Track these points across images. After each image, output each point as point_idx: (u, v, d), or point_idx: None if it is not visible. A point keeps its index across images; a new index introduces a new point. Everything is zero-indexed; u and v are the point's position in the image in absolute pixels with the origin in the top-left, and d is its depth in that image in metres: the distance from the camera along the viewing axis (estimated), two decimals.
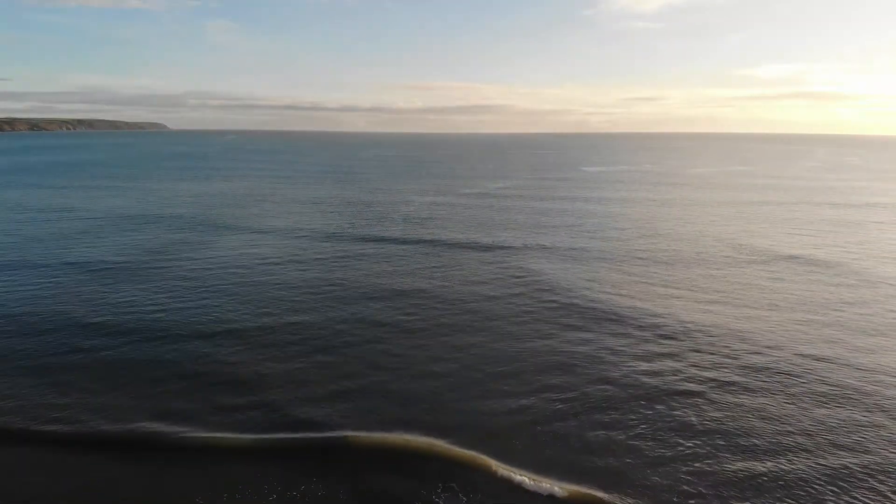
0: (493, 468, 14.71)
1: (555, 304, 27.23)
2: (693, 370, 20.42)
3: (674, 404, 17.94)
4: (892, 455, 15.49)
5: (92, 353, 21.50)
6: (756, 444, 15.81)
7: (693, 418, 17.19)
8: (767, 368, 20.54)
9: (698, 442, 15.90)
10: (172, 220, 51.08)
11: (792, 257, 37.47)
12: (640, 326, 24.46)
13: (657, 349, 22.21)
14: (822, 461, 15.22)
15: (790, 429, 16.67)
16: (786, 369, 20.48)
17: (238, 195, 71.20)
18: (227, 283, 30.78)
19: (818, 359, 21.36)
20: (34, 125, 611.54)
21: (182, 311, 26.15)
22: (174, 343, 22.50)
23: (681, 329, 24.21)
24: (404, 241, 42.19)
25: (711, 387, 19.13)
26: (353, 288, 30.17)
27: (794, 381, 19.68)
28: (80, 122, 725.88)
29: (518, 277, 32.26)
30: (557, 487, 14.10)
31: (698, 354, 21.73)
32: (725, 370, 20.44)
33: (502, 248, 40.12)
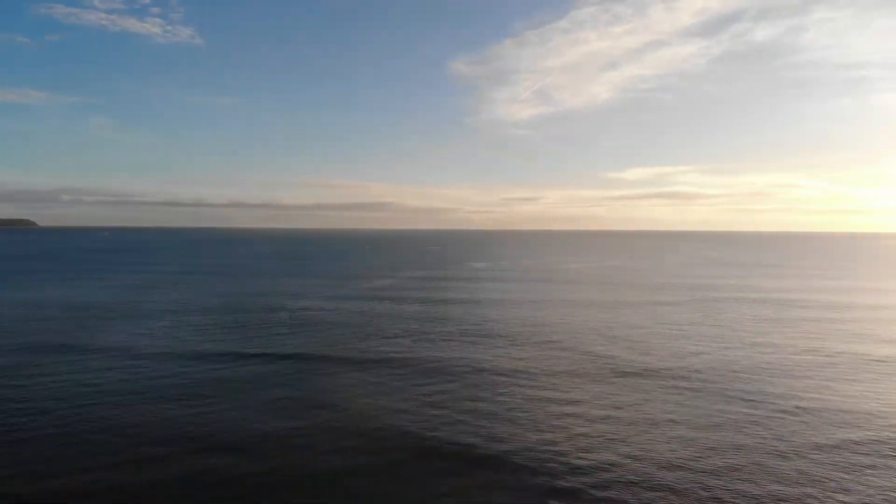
0: None
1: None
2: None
3: None
4: None
5: None
6: None
7: None
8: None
9: None
10: None
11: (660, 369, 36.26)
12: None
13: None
14: None
15: None
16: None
17: (82, 304, 62.90)
18: (36, 427, 24.43)
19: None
20: None
21: None
22: None
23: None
24: (273, 358, 37.06)
25: None
26: (200, 437, 24.82)
27: None
28: None
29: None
30: None
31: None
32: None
33: (386, 361, 36.10)
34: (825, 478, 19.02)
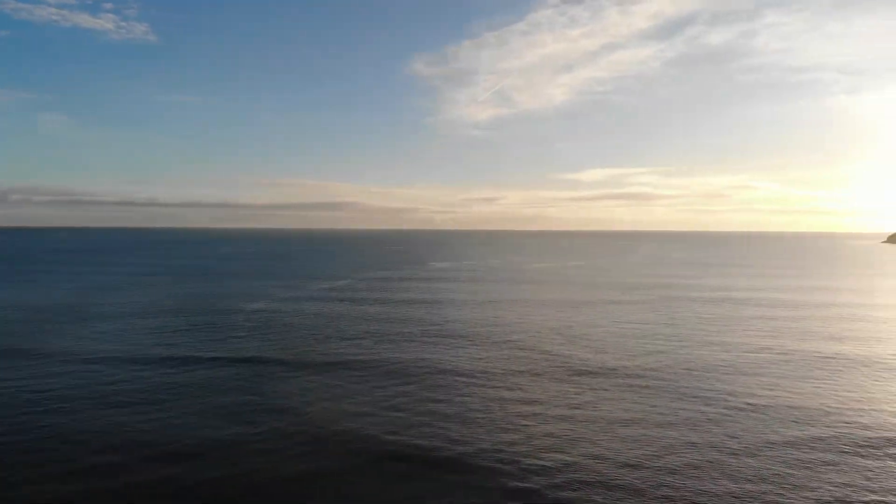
0: None
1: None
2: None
3: None
4: None
5: None
6: None
7: None
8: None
9: None
10: None
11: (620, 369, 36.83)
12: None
13: None
14: None
15: None
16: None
17: (33, 307, 60.85)
18: None
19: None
20: None
21: None
22: None
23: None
24: (230, 361, 36.33)
25: None
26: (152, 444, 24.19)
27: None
28: None
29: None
30: None
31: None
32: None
33: (347, 363, 35.77)
34: (780, 474, 19.49)
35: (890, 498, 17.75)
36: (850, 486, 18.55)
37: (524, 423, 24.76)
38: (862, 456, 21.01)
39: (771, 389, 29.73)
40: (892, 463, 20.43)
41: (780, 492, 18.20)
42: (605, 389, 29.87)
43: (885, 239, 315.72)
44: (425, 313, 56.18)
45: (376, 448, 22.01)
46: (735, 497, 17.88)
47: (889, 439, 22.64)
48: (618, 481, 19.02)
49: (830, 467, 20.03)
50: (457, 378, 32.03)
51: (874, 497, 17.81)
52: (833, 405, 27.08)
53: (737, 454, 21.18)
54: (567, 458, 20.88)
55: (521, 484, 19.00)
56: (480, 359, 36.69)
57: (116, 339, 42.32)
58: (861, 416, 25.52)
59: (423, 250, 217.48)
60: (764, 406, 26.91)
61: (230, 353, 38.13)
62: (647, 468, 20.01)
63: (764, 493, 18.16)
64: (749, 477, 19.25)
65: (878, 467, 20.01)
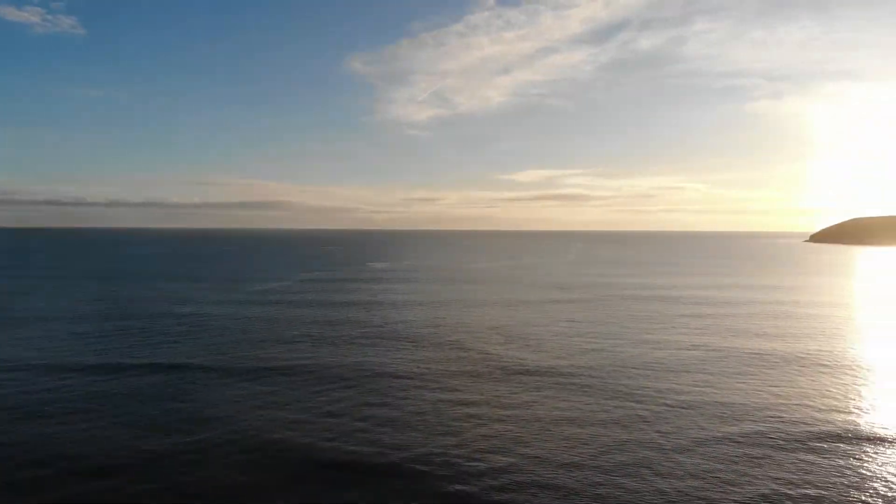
0: None
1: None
2: None
3: None
4: None
5: None
6: None
7: None
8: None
9: None
10: None
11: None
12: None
13: None
14: None
15: None
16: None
17: None
18: None
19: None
20: None
21: None
22: None
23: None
24: (160, 368, 34.96)
25: None
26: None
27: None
28: None
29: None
30: None
31: None
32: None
33: (283, 369, 34.99)
34: (712, 470, 20.13)
35: (819, 491, 18.58)
36: (781, 480, 19.30)
37: (463, 425, 24.81)
38: (792, 451, 21.90)
39: (702, 386, 30.77)
40: (821, 457, 21.35)
41: (713, 488, 18.79)
42: (543, 389, 30.27)
43: (808, 238, 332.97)
44: (364, 315, 55.67)
45: (314, 456, 21.58)
46: (669, 494, 18.37)
47: (817, 434, 23.65)
48: (556, 482, 19.27)
49: (761, 462, 20.80)
50: (395, 381, 31.82)
51: (804, 491, 18.60)
52: (763, 401, 28.16)
53: (670, 452, 21.79)
54: (506, 460, 21.02)
55: (460, 487, 19.00)
56: (419, 361, 36.59)
57: (39, 346, 40.10)
58: (790, 411, 26.61)
59: (361, 251, 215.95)
60: (696, 403, 27.82)
61: (160, 359, 36.72)
62: (584, 468, 20.35)
63: (697, 489, 18.72)
64: (682, 474, 19.82)
65: (807, 461, 20.89)
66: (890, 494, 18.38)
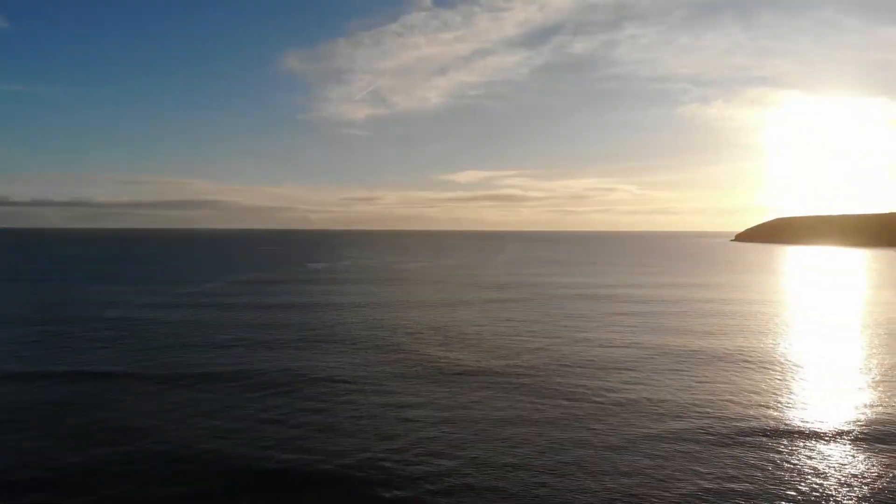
0: None
1: None
2: None
3: None
4: None
5: None
6: None
7: None
8: None
9: None
10: None
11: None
12: None
13: None
14: None
15: None
16: None
17: None
18: None
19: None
20: None
21: None
22: None
23: None
24: (83, 376, 33.17)
25: None
26: None
27: None
28: None
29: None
30: None
31: None
32: None
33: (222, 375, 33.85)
34: (651, 468, 20.48)
35: (751, 485, 19.15)
36: (718, 476, 19.71)
37: (403, 429, 24.53)
38: (723, 446, 22.49)
39: (636, 384, 31.44)
40: (751, 452, 21.95)
41: (651, 485, 19.12)
42: (481, 390, 30.31)
43: (733, 237, 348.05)
44: (300, 317, 54.61)
45: (248, 466, 20.84)
46: (606, 493, 18.61)
47: (748, 430, 24.32)
48: (495, 484, 19.23)
49: (694, 459, 21.28)
50: (332, 386, 31.25)
51: (736, 485, 19.12)
52: (694, 398, 28.82)
53: (610, 450, 22.09)
54: (446, 464, 20.86)
55: (400, 493, 18.74)
56: (357, 364, 36.10)
57: None
58: (721, 408, 27.28)
59: (297, 251, 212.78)
60: (630, 401, 28.35)
61: (85, 366, 34.93)
62: (525, 469, 20.40)
63: (636, 486, 19.02)
64: (621, 472, 20.08)
65: (738, 457, 21.44)
66: (816, 486, 19.18)
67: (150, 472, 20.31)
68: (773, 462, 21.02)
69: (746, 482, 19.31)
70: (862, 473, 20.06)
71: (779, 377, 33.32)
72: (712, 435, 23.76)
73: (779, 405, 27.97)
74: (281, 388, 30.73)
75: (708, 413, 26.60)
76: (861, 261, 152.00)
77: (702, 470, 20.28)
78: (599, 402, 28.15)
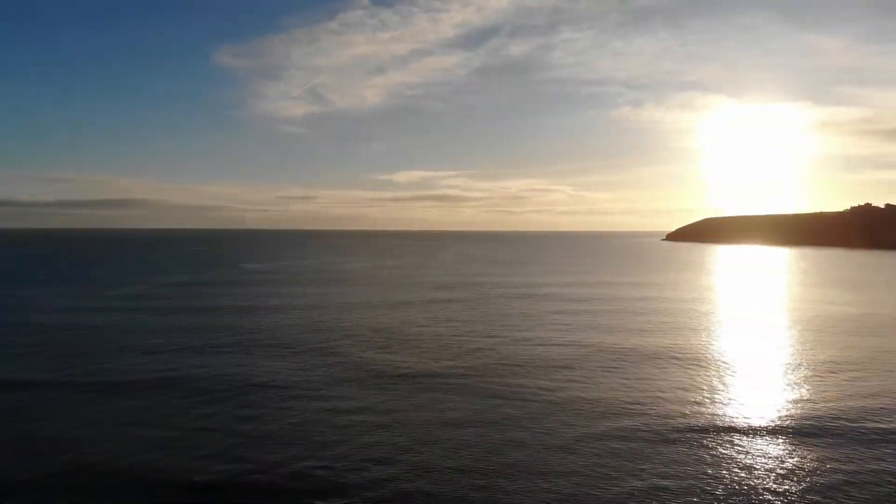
0: None
1: None
2: None
3: None
4: None
5: None
6: None
7: None
8: None
9: None
10: None
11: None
12: None
13: None
14: None
15: None
16: None
17: None
18: None
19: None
20: None
21: None
22: None
23: None
24: (2, 387, 31.34)
25: None
26: None
27: None
28: None
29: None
30: None
31: None
32: None
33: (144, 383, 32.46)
34: (591, 466, 20.85)
35: (688, 482, 19.69)
36: (654, 474, 20.24)
37: (342, 436, 24.12)
38: (660, 444, 23.10)
39: (574, 383, 31.97)
40: (688, 449, 22.62)
41: (590, 484, 19.43)
42: (423, 393, 30.19)
43: (665, 237, 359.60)
44: (235, 321, 53.12)
45: (182, 478, 20.06)
46: (549, 494, 18.80)
47: (684, 427, 25.06)
48: (439, 489, 19.17)
49: (633, 457, 21.74)
50: (270, 391, 30.48)
51: (676, 483, 19.62)
52: (630, 397, 29.48)
53: (549, 451, 22.34)
54: (389, 470, 20.64)
55: (342, 501, 18.42)
56: (296, 369, 35.36)
57: None
58: (657, 406, 28.04)
59: (231, 251, 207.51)
60: (569, 400, 28.79)
61: (10, 375, 33.05)
62: (466, 473, 20.39)
63: (575, 486, 19.31)
64: (561, 473, 20.35)
65: (675, 454, 22.08)
66: (751, 480, 19.89)
67: (77, 487, 19.31)
68: (707, 458, 21.71)
69: (681, 479, 19.86)
70: (794, 467, 20.96)
71: (711, 374, 34.47)
72: (648, 433, 24.34)
73: (712, 402, 28.93)
74: (215, 395, 29.77)
75: (643, 411, 27.25)
76: (784, 259, 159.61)
77: (638, 468, 20.73)
78: (539, 402, 28.45)
